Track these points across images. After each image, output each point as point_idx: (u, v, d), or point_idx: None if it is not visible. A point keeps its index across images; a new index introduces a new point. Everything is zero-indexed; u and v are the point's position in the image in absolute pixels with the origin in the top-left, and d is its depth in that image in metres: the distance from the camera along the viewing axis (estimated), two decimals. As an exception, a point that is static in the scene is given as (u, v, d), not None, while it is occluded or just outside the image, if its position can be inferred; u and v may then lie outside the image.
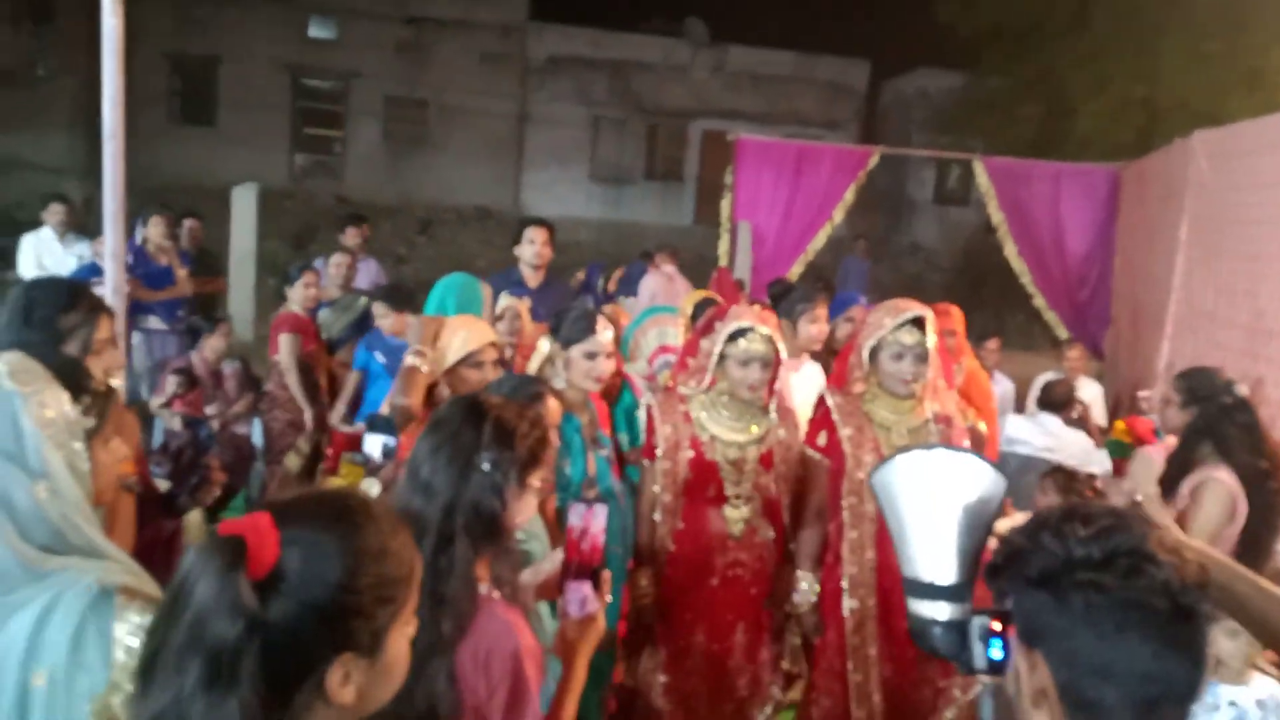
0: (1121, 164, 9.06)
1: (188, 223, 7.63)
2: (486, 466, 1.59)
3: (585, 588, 1.75)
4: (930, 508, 1.32)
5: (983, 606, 1.20)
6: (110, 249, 3.46)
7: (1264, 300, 5.53)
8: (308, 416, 5.03)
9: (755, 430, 2.92)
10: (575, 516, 1.83)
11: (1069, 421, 5.49)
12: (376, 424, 2.16)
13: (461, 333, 2.72)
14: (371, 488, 1.89)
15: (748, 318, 2.85)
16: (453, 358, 2.68)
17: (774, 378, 2.89)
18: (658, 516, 2.90)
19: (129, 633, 1.30)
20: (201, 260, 7.48)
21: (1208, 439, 2.93)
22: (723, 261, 9.51)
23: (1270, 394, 5.38)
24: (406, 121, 18.34)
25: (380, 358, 4.89)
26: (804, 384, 3.70)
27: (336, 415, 4.99)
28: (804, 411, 3.16)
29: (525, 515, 1.68)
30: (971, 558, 1.30)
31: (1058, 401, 5.50)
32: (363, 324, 5.92)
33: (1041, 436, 5.31)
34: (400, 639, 1.09)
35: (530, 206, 17.71)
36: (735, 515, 2.87)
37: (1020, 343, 13.40)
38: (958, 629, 1.24)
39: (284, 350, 5.07)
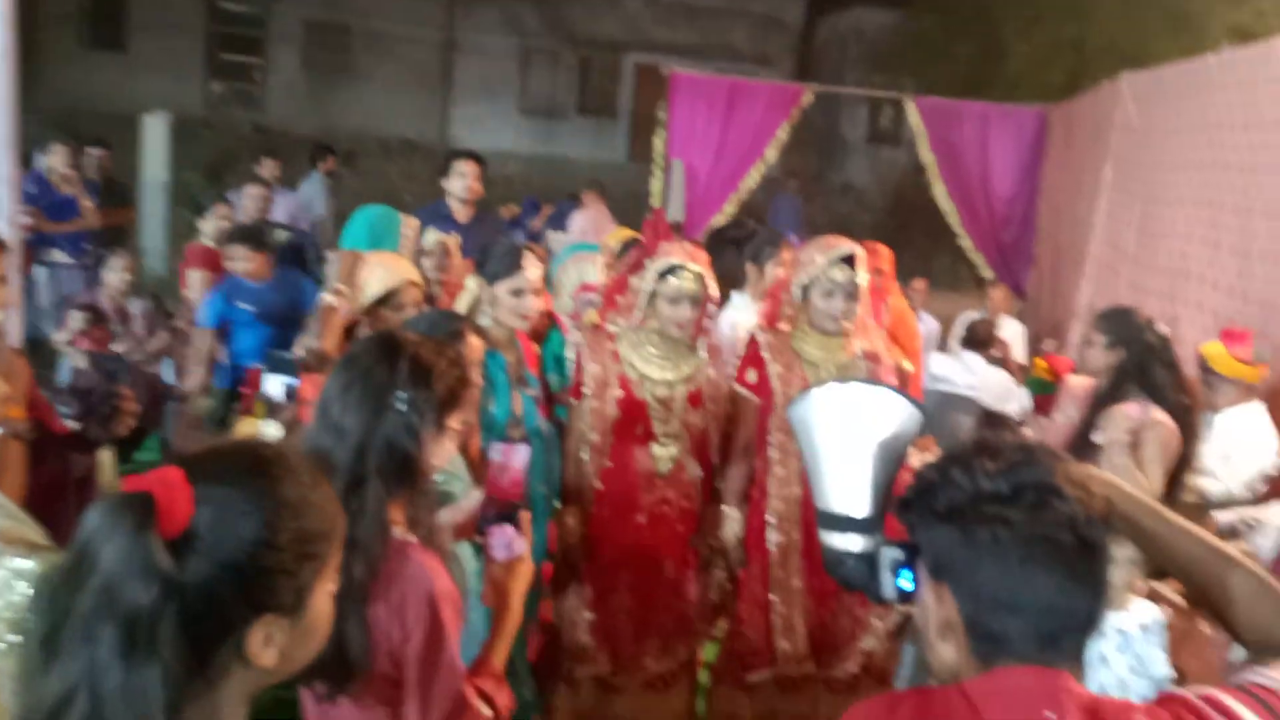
0: (1049, 105, 9.15)
1: (94, 151, 7.26)
2: (401, 406, 1.52)
3: (509, 530, 1.71)
4: (845, 441, 1.32)
5: (893, 539, 1.21)
6: (3, 175, 3.25)
7: (1183, 243, 5.66)
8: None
9: (684, 369, 2.89)
10: (495, 453, 1.79)
11: (990, 360, 5.59)
12: (276, 364, 2.05)
13: (379, 270, 2.61)
14: (272, 430, 1.80)
15: (678, 255, 2.80)
16: (371, 297, 2.57)
17: (703, 315, 2.86)
18: (585, 455, 2.87)
19: (8, 579, 1.21)
20: (110, 191, 7.13)
21: (1135, 380, 2.93)
22: (655, 200, 9.41)
23: (1186, 334, 5.53)
24: (329, 49, 17.64)
25: (246, 306, 4.71)
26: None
27: (194, 381, 4.83)
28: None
29: (443, 458, 1.62)
30: (884, 491, 1.30)
31: (980, 340, 5.60)
32: (281, 258, 5.73)
33: (964, 374, 5.41)
34: (323, 596, 1.03)
35: (458, 139, 17.29)
36: (663, 453, 2.85)
37: (946, 282, 13.61)
38: (868, 560, 1.25)
39: (194, 286, 4.87)
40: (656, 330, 2.84)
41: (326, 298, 2.63)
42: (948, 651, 1.08)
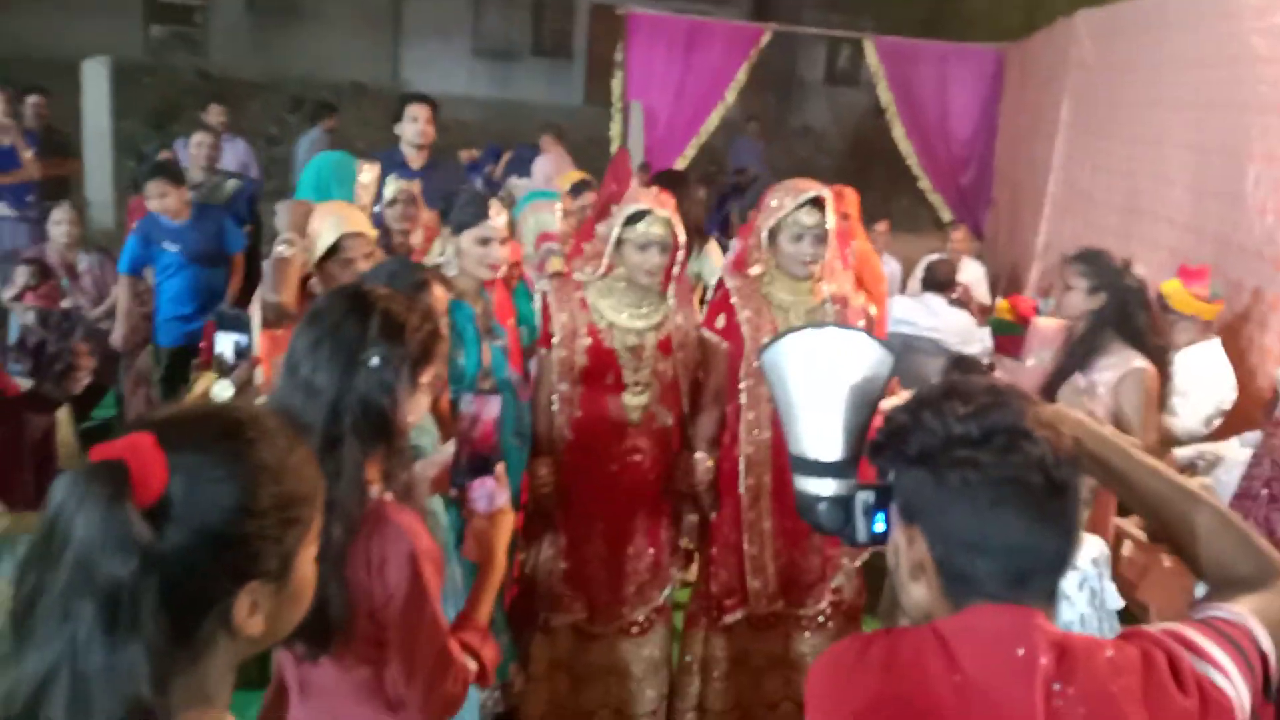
0: (1006, 45, 9.13)
1: (31, 99, 6.99)
2: (375, 362, 1.49)
3: (490, 482, 1.70)
4: (818, 386, 1.32)
5: (866, 482, 1.22)
6: (-63, 126, 3.11)
7: (1139, 180, 5.71)
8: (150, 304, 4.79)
9: (653, 316, 2.87)
10: (466, 405, 1.77)
11: (952, 301, 5.63)
12: (225, 321, 1.95)
13: (329, 220, 2.54)
14: (224, 390, 1.75)
15: (646, 200, 2.76)
16: (323, 248, 2.51)
17: (672, 262, 2.83)
18: (555, 406, 2.85)
19: None
20: (50, 140, 6.89)
21: (1115, 325, 2.89)
22: (615, 144, 9.30)
23: (1143, 272, 5.62)
24: (273, -10, 17.11)
25: (169, 246, 4.73)
26: None
27: (118, 335, 4.77)
28: None
29: (418, 414, 1.59)
30: (857, 435, 1.31)
31: (941, 281, 5.64)
32: (232, 206, 5.59)
33: (926, 316, 5.44)
34: (307, 560, 1.00)
35: (411, 83, 16.85)
36: (634, 402, 2.84)
37: (906, 225, 13.64)
38: (842, 504, 1.26)
39: None
40: (624, 278, 2.81)
41: (278, 248, 2.55)
42: (920, 592, 1.10)
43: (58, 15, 15.40)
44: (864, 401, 1.31)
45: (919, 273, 6.25)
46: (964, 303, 5.92)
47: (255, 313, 2.59)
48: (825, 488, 1.30)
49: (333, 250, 2.66)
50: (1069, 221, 6.97)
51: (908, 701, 1.03)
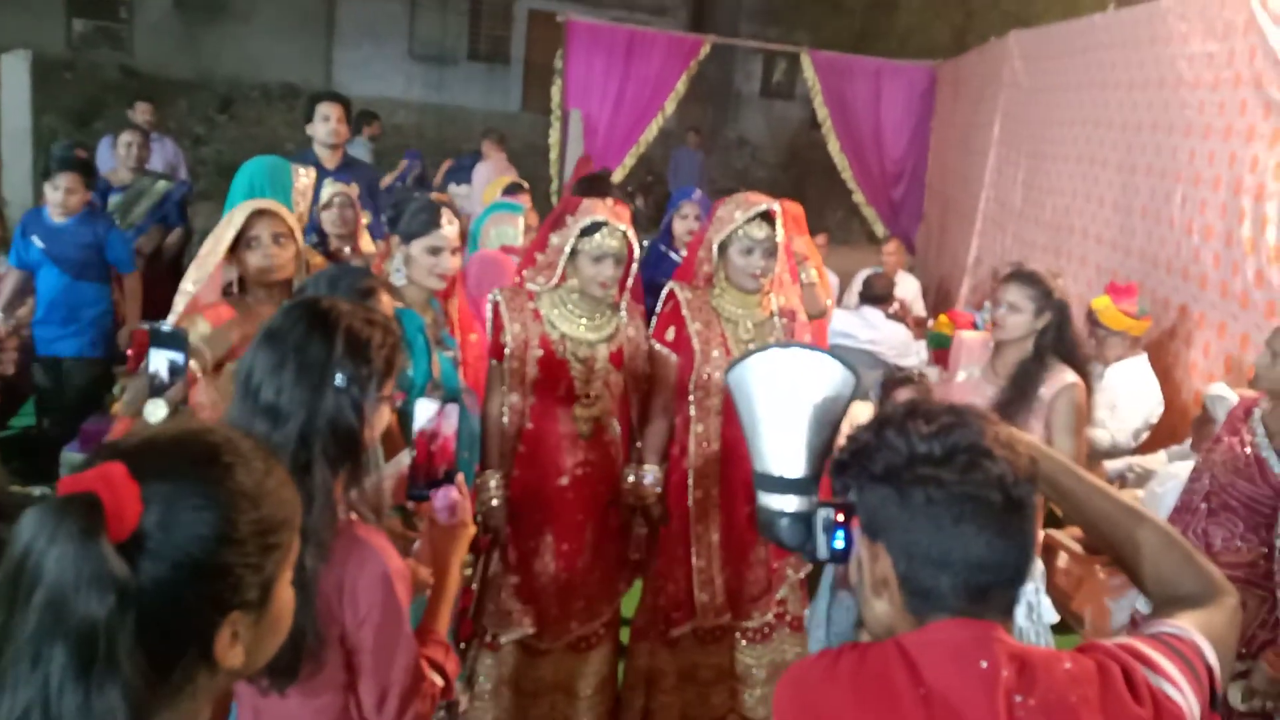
0: (938, 62, 9.33)
1: (-54, 93, 6.71)
2: (342, 382, 1.45)
3: (453, 493, 1.67)
4: (782, 404, 1.34)
5: (827, 499, 1.24)
6: None
7: (1068, 199, 5.88)
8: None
9: (606, 328, 2.85)
10: (425, 418, 1.73)
11: (889, 315, 5.73)
12: (160, 338, 1.84)
13: (240, 208, 2.51)
14: (157, 410, 1.68)
15: (602, 212, 2.75)
16: (232, 234, 2.47)
17: (626, 274, 2.82)
18: (505, 418, 2.82)
19: None
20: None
21: (1052, 343, 2.92)
22: (554, 151, 9.27)
23: (1071, 288, 5.78)
24: (202, -14, 16.69)
25: (39, 242, 4.50)
26: None
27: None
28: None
29: (380, 428, 1.56)
30: (819, 453, 1.33)
31: (879, 295, 5.73)
32: (161, 209, 5.43)
33: (865, 329, 5.53)
34: (285, 586, 0.96)
35: (344, 85, 16.59)
36: (585, 414, 2.81)
37: (841, 237, 13.87)
38: (804, 520, 1.28)
39: None
40: (577, 289, 2.79)
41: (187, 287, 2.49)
42: (883, 607, 1.13)
43: (-27, 8, 14.83)
44: (827, 420, 1.33)
45: (856, 286, 6.35)
46: (900, 316, 6.02)
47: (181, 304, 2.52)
48: (788, 504, 1.31)
49: (236, 237, 2.57)
50: (999, 237, 7.14)
51: (875, 716, 1.05)
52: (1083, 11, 6.01)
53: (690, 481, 2.98)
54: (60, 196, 4.42)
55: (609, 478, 2.92)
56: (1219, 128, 4.15)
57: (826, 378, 1.34)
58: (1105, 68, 5.42)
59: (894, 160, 9.62)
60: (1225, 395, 3.36)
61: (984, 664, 1.04)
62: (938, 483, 1.07)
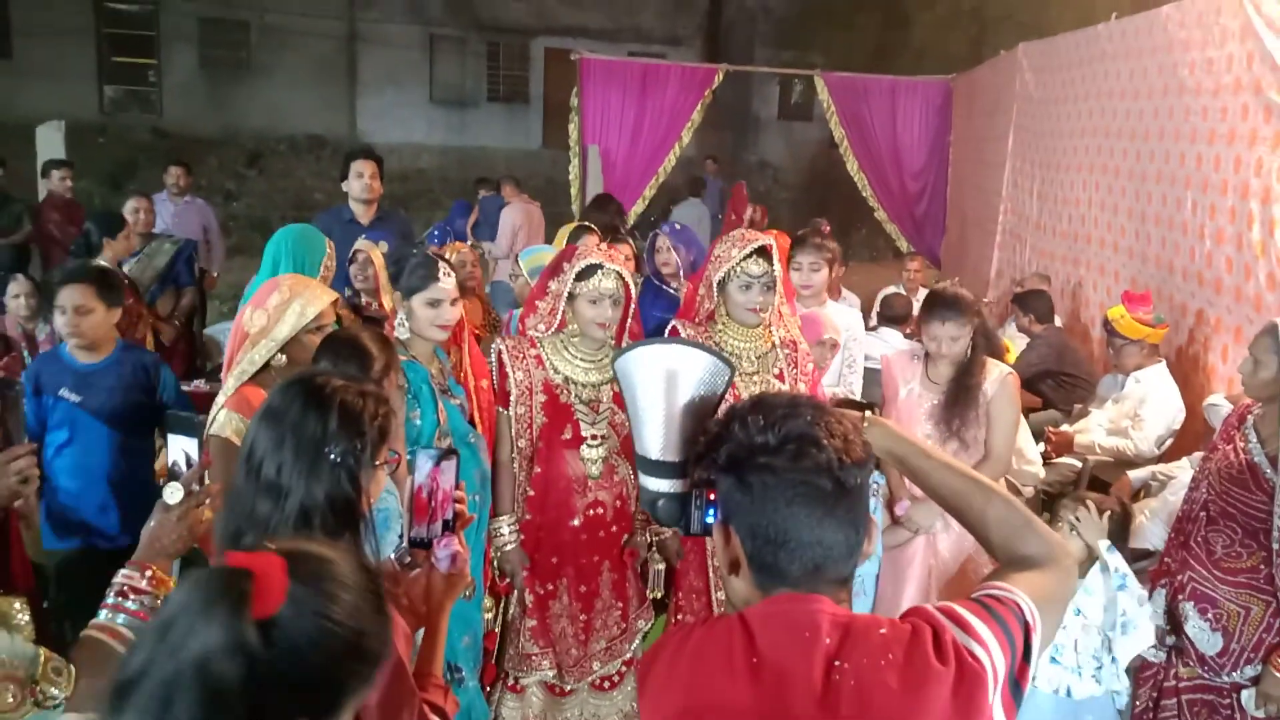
0: (953, 76, 9.33)
1: (-13, 169, 6.98)
2: (337, 457, 1.51)
3: (454, 543, 1.72)
4: (661, 394, 1.45)
5: (699, 480, 1.33)
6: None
7: (1083, 208, 5.86)
8: None
9: (608, 369, 2.89)
10: (423, 473, 1.77)
11: (907, 334, 5.72)
12: (175, 425, 1.88)
13: (296, 303, 2.53)
14: (175, 494, 1.75)
15: (597, 255, 2.80)
16: (292, 326, 2.50)
17: (625, 314, 2.87)
18: (515, 464, 2.87)
19: None
20: (7, 208, 6.88)
21: (985, 345, 3.21)
22: (574, 185, 9.38)
23: (1089, 296, 5.74)
24: (226, 45, 17.11)
25: (71, 396, 3.29)
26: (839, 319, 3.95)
27: None
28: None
29: (378, 491, 1.61)
30: (693, 440, 1.41)
31: (897, 315, 5.73)
32: (172, 270, 5.56)
33: (883, 350, 5.51)
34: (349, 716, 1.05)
35: (368, 133, 16.95)
36: (593, 455, 2.85)
37: (865, 254, 13.86)
38: (679, 500, 1.41)
39: None
40: (578, 332, 2.84)
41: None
42: (738, 584, 1.24)
43: (11, 79, 15.36)
44: (702, 410, 1.44)
45: (879, 306, 6.35)
46: (916, 334, 6.00)
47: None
48: (665, 485, 1.44)
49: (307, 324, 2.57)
50: (1018, 248, 7.12)
51: (713, 689, 1.16)
52: (1097, 19, 6.01)
53: (705, 514, 3.00)
54: (69, 329, 3.27)
55: (622, 517, 2.95)
56: (1223, 133, 4.14)
57: (701, 371, 1.45)
58: (1111, 77, 5.42)
59: (914, 176, 9.62)
60: (1221, 405, 3.34)
61: (808, 634, 1.14)
62: (771, 470, 1.18)
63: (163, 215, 6.59)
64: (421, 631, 1.71)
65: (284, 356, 2.49)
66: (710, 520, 1.28)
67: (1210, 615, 2.57)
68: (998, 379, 3.15)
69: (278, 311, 2.50)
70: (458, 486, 1.78)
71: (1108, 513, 2.79)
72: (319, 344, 2.40)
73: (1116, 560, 2.67)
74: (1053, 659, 2.69)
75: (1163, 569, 2.78)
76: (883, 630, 1.15)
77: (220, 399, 2.49)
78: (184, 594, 0.93)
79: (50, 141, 9.09)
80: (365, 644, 1.01)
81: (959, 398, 3.13)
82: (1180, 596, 2.66)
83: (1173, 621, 2.69)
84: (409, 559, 1.81)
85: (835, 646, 1.13)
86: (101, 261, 4.79)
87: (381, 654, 1.05)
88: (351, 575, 1.03)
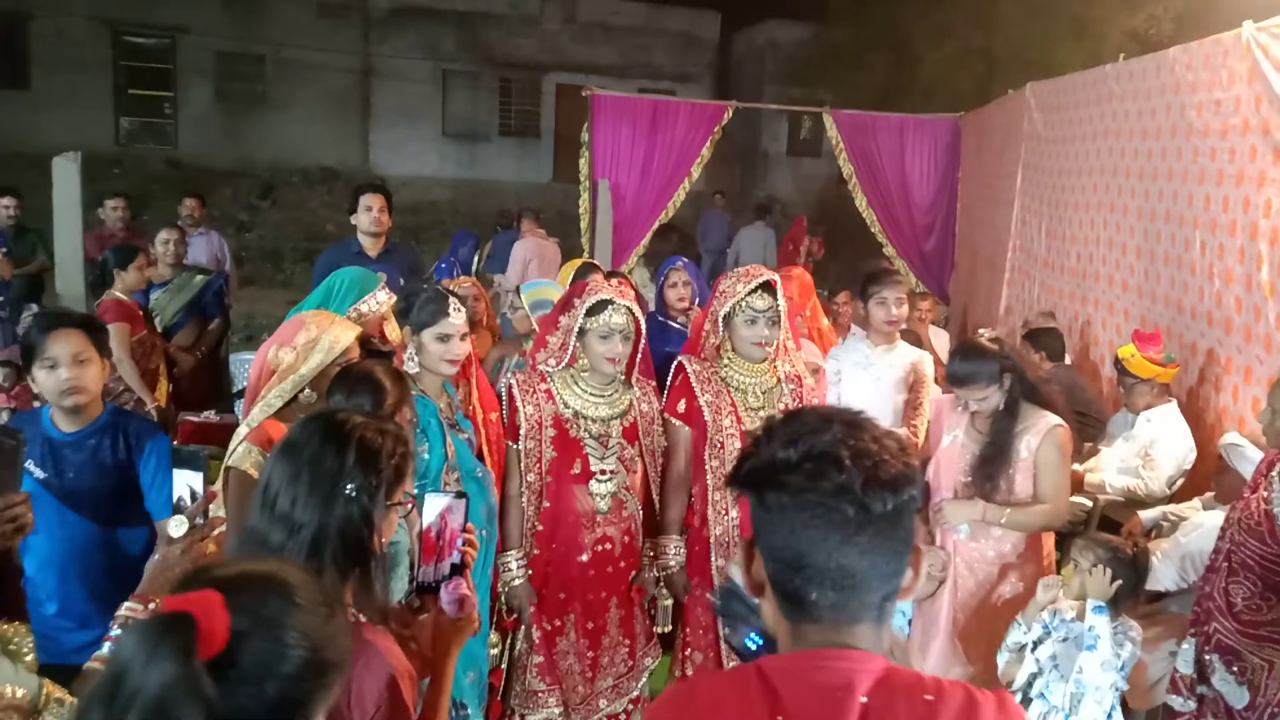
0: (961, 114, 9.39)
1: (3, 201, 7.08)
2: (353, 493, 1.51)
3: (462, 585, 1.71)
4: None
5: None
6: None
7: (1092, 246, 5.86)
8: (150, 408, 4.74)
9: (618, 404, 2.91)
10: (432, 514, 1.77)
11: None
12: (181, 459, 1.88)
13: (324, 339, 2.56)
14: (180, 527, 1.76)
15: (607, 291, 2.82)
16: (320, 362, 2.51)
17: (635, 349, 2.88)
18: (524, 498, 2.87)
19: None
20: (20, 239, 6.96)
21: (1024, 393, 3.09)
22: (584, 219, 9.44)
23: (1098, 334, 5.73)
24: (241, 79, 17.32)
25: (37, 472, 2.48)
26: (892, 367, 3.79)
27: None
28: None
29: (390, 532, 1.61)
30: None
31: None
32: (200, 301, 5.61)
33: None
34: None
35: (381, 166, 17.10)
36: (602, 490, 2.85)
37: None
38: (741, 610, 1.35)
39: (114, 341, 4.73)
40: (588, 367, 2.85)
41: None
42: (768, 609, 1.15)
43: (28, 112, 15.56)
44: None
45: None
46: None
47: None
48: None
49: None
50: (1027, 286, 7.12)
51: None
52: (1104, 58, 6.03)
53: (711, 551, 3.00)
54: (64, 377, 2.50)
55: (630, 553, 2.95)
56: (1231, 173, 4.15)
57: None
58: (1119, 117, 5.44)
59: (923, 212, 9.64)
60: (1239, 444, 3.32)
61: (839, 693, 1.03)
62: (786, 489, 1.07)
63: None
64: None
65: (313, 393, 2.50)
66: (750, 645, 1.24)
67: (1235, 668, 2.53)
68: (1043, 430, 3.01)
69: (305, 350, 2.52)
70: (465, 529, 1.78)
71: (1118, 583, 2.76)
72: (333, 377, 2.42)
73: (1097, 620, 2.68)
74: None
75: (1194, 617, 2.75)
76: (928, 696, 1.04)
77: (242, 430, 2.50)
78: (128, 648, 0.90)
79: (66, 173, 9.17)
80: (321, 657, 0.99)
81: (993, 455, 3.03)
82: (1207, 648, 2.62)
83: (1200, 672, 2.65)
84: (418, 603, 1.81)
85: (873, 709, 1.03)
86: (117, 293, 4.84)
87: (341, 659, 1.03)
88: (296, 588, 1.01)
